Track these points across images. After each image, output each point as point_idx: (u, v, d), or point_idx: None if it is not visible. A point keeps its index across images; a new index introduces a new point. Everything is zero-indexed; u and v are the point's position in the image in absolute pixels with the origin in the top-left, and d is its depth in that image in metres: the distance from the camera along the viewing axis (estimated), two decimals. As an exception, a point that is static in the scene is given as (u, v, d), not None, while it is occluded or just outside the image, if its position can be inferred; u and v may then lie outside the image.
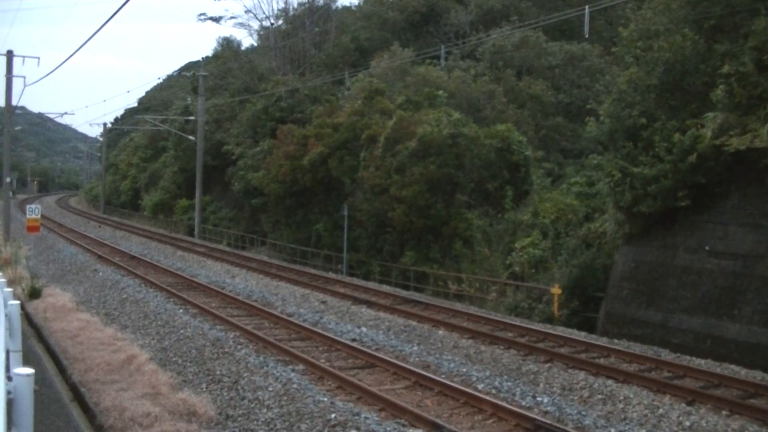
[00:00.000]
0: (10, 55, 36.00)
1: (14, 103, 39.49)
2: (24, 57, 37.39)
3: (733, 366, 14.73)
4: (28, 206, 27.15)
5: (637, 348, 16.18)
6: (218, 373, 13.19)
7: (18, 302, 9.89)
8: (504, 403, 11.66)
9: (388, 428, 10.21)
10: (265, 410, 11.09)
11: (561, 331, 17.96)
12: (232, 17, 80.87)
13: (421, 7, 53.12)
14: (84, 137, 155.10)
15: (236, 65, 57.36)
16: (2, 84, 37.28)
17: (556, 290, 21.48)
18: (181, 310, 19.31)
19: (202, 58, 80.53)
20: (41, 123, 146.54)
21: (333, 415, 10.51)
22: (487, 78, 39.70)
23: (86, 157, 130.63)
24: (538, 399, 12.25)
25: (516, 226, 28.35)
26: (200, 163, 47.91)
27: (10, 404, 5.42)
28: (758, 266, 16.74)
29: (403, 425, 10.56)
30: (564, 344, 16.27)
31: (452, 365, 14.41)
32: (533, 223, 27.60)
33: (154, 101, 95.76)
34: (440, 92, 35.23)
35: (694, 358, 15.34)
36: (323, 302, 21.63)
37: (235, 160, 45.94)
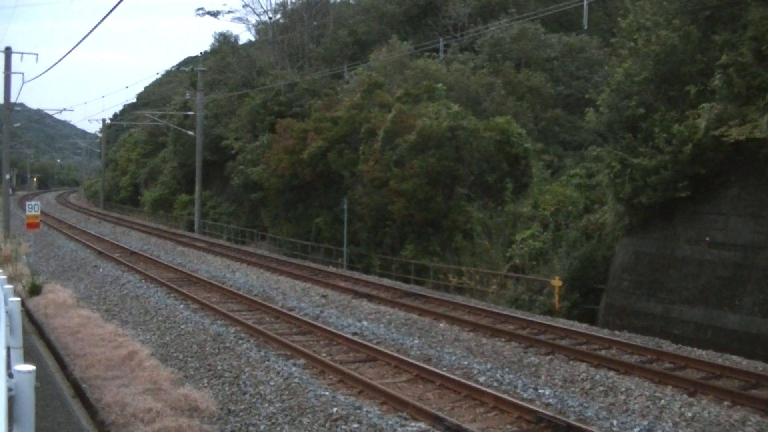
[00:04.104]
0: (8, 51, 35.92)
1: (13, 99, 39.42)
2: (22, 53, 37.49)
3: (734, 356, 14.74)
4: (27, 203, 27.13)
5: (638, 339, 16.18)
6: (219, 368, 13.20)
7: (18, 299, 9.89)
8: (506, 396, 11.67)
9: (390, 422, 10.21)
10: (266, 405, 11.10)
11: (562, 323, 17.97)
12: (229, 11, 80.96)
13: (419, -1, 53.07)
14: (83, 133, 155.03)
15: (235, 60, 57.26)
16: (1, 81, 37.20)
17: (556, 282, 21.47)
18: (181, 306, 19.32)
19: (201, 53, 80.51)
20: (40, 119, 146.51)
21: (335, 409, 10.52)
22: (485, 70, 39.64)
23: (85, 153, 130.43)
24: (540, 391, 12.25)
25: (516, 218, 28.34)
26: (199, 158, 47.86)
27: (11, 401, 5.42)
28: (758, 257, 16.73)
29: (405, 419, 10.56)
30: (565, 336, 16.27)
31: (453, 358, 14.42)
32: (533, 215, 27.59)
33: (152, 97, 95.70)
34: (439, 85, 35.17)
35: (695, 349, 15.34)
36: (324, 296, 21.63)
37: (234, 155, 45.91)
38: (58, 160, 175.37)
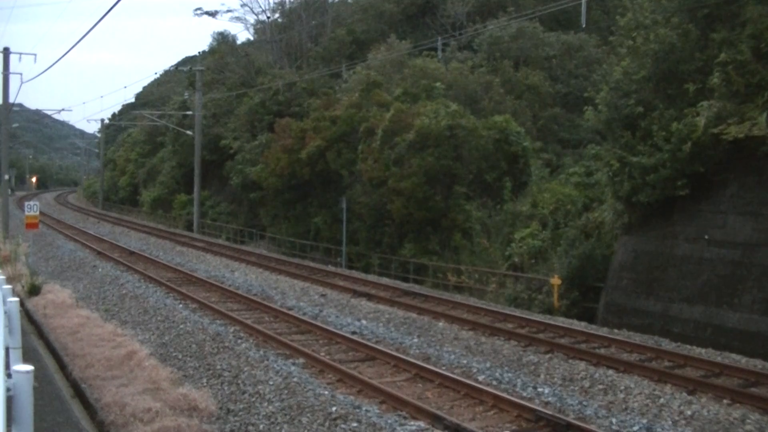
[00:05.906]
0: (6, 52, 35.93)
1: (12, 100, 39.42)
2: (21, 54, 37.63)
3: (733, 355, 14.74)
4: (26, 203, 27.05)
5: (637, 338, 16.17)
6: (219, 367, 13.19)
7: (17, 299, 9.87)
8: (505, 395, 11.66)
9: (389, 421, 10.20)
10: (266, 404, 11.09)
11: (561, 321, 17.97)
12: (228, 11, 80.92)
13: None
14: (82, 133, 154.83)
15: (233, 59, 57.25)
16: (-1, 81, 37.20)
17: (555, 281, 21.47)
18: (180, 305, 19.30)
19: (199, 52, 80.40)
20: (39, 120, 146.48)
21: (334, 408, 10.51)
22: (484, 69, 39.62)
23: (84, 153, 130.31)
24: (539, 390, 12.25)
25: (515, 217, 28.31)
26: (198, 158, 47.84)
27: (9, 401, 5.41)
28: (757, 255, 16.73)
29: (404, 417, 10.56)
30: (564, 335, 16.27)
31: (452, 357, 14.41)
32: (532, 213, 27.56)
33: (151, 96, 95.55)
34: (438, 84, 35.17)
35: (694, 348, 15.34)
36: (323, 295, 21.62)
37: (233, 155, 45.89)
38: (57, 161, 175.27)
